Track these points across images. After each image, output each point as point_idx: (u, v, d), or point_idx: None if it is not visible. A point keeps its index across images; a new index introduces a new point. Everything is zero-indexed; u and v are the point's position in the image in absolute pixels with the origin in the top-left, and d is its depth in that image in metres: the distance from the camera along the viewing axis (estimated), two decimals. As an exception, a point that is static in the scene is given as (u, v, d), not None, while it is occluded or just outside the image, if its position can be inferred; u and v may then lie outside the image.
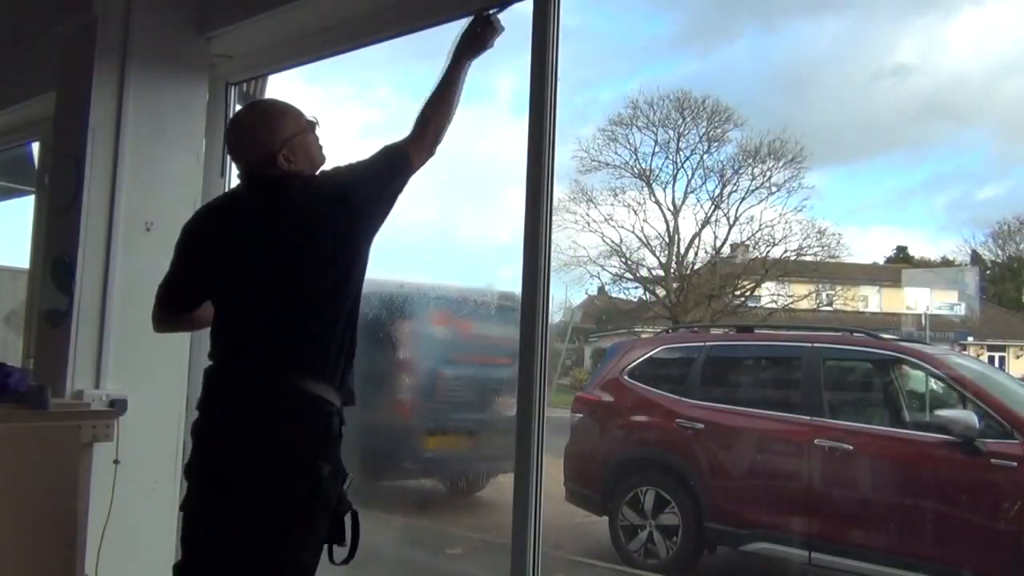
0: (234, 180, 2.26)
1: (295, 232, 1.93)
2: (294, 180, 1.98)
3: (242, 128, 2.10)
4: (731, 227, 9.52)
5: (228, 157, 3.48)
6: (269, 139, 1.98)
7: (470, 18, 2.33)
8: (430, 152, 2.14)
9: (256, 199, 2.00)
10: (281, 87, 3.56)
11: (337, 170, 2.04)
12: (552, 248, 2.48)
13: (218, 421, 1.92)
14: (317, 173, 2.04)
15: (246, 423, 1.87)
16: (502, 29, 2.33)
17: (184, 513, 1.91)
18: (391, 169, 2.07)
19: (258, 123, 2.06)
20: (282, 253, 1.92)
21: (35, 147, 4.57)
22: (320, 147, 2.08)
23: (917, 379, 4.76)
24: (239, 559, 1.82)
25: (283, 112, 2.05)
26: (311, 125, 2.06)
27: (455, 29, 2.36)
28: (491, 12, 2.34)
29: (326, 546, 1.91)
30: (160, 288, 2.12)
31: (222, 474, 1.87)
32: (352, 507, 1.93)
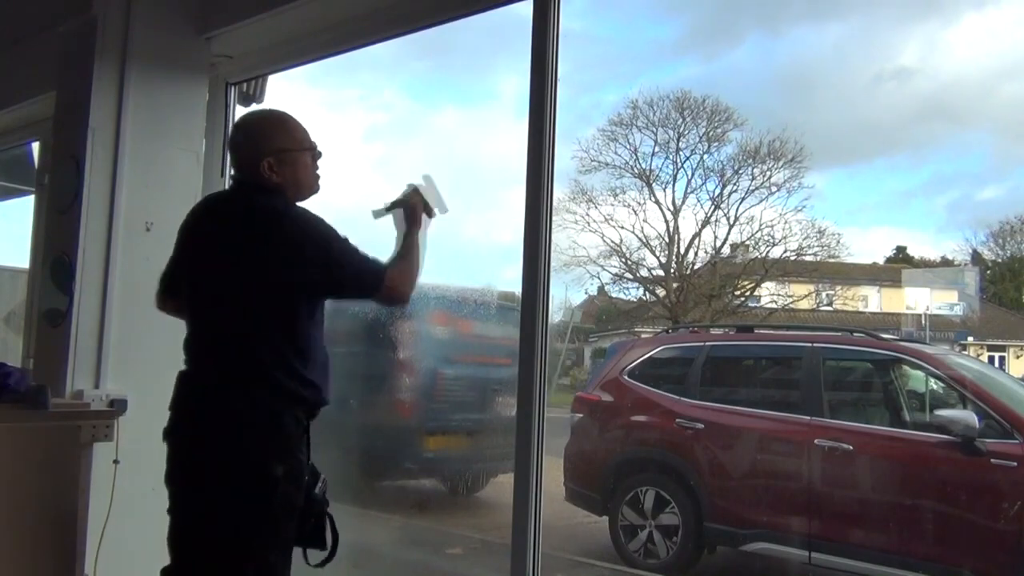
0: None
1: (245, 250, 1.91)
2: (266, 199, 1.95)
3: (239, 129, 2.12)
4: (731, 227, 9.53)
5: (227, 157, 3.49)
6: (259, 144, 1.99)
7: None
8: (401, 299, 2.07)
9: (229, 205, 2.03)
10: (285, 89, 3.57)
11: (314, 233, 1.93)
12: (552, 248, 2.49)
13: (178, 424, 1.94)
14: (298, 211, 1.97)
15: (198, 426, 1.90)
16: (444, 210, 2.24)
17: (170, 517, 1.93)
18: (356, 281, 1.99)
19: (254, 126, 2.07)
20: (230, 263, 1.92)
21: (35, 147, 4.56)
22: (316, 175, 2.06)
23: (917, 379, 4.76)
24: (205, 560, 1.85)
25: (283, 123, 2.04)
26: (312, 150, 2.04)
27: (456, 29, 2.36)
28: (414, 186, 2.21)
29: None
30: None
31: (182, 477, 1.90)
32: (327, 508, 1.95)
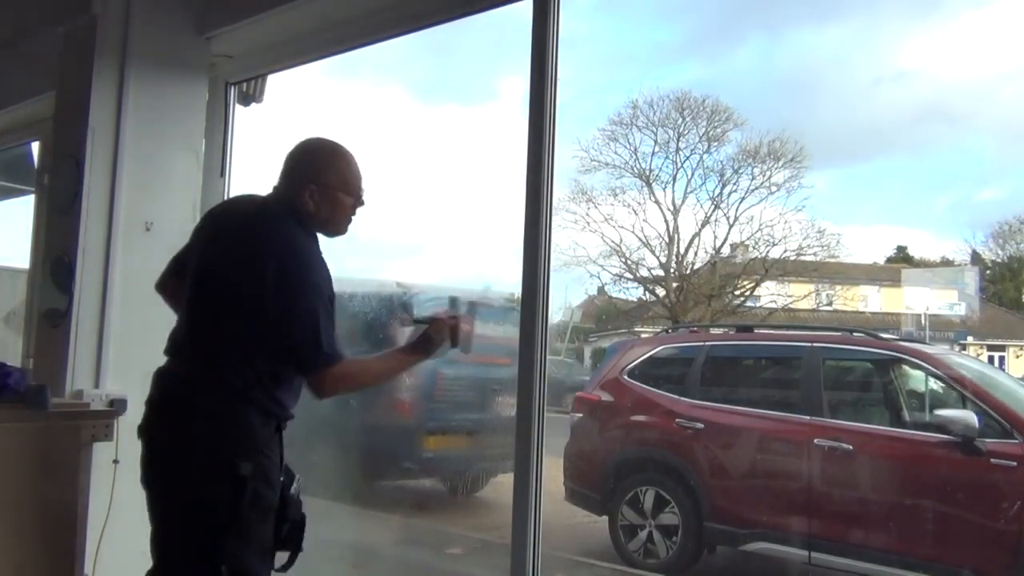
0: (235, 180, 2.28)
1: (249, 257, 1.91)
2: (295, 226, 1.94)
3: (305, 146, 2.06)
4: (731, 227, 9.53)
5: (229, 156, 3.49)
6: (313, 169, 1.98)
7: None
8: (329, 392, 1.93)
9: (259, 222, 1.97)
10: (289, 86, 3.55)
11: (309, 282, 1.89)
12: (552, 248, 2.49)
13: (152, 420, 1.94)
14: (315, 258, 1.95)
15: (169, 422, 1.90)
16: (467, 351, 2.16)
17: (150, 516, 1.93)
18: (300, 357, 1.90)
19: (318, 151, 2.04)
20: (235, 273, 1.92)
21: (35, 147, 4.56)
22: (349, 221, 2.04)
23: (917, 379, 4.76)
24: (179, 561, 1.85)
25: (345, 162, 2.02)
26: (357, 198, 2.03)
27: (456, 29, 2.36)
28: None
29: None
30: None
31: (152, 476, 1.90)
32: (302, 510, 1.93)
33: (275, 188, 2.04)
